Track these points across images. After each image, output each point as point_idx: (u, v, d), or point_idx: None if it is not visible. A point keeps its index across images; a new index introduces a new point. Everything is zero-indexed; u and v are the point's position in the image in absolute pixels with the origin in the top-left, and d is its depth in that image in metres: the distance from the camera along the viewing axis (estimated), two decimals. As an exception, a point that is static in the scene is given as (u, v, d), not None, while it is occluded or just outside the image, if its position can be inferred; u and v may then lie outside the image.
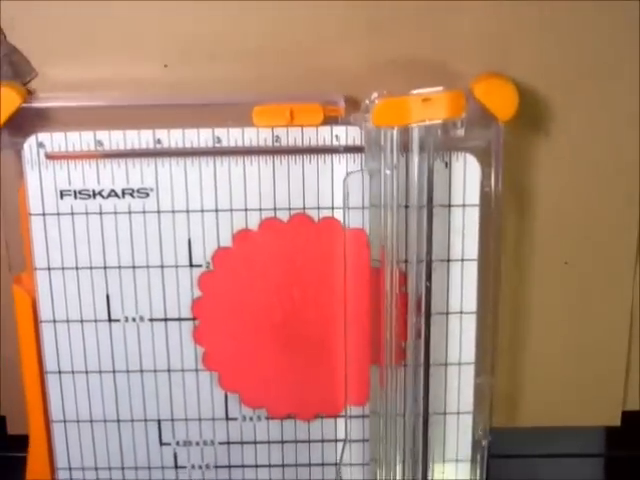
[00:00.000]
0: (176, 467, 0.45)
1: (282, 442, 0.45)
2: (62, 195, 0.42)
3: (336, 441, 0.45)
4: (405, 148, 0.40)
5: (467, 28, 0.41)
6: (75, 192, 0.42)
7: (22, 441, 0.45)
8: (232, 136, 0.41)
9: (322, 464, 0.45)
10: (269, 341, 0.44)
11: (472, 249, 0.42)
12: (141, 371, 0.44)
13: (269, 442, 0.45)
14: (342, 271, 0.42)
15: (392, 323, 0.42)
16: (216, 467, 0.45)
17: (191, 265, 0.43)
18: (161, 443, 0.45)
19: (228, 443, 0.45)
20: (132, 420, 0.45)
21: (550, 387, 0.48)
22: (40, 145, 0.41)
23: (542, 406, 0.48)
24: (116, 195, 0.42)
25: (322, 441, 0.45)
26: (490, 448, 0.45)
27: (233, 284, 0.43)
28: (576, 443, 0.55)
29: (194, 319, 0.43)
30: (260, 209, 0.42)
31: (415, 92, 0.39)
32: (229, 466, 0.45)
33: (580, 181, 0.44)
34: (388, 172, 0.40)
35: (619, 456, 0.56)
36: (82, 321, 0.43)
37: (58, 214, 0.42)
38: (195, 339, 0.44)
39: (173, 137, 0.41)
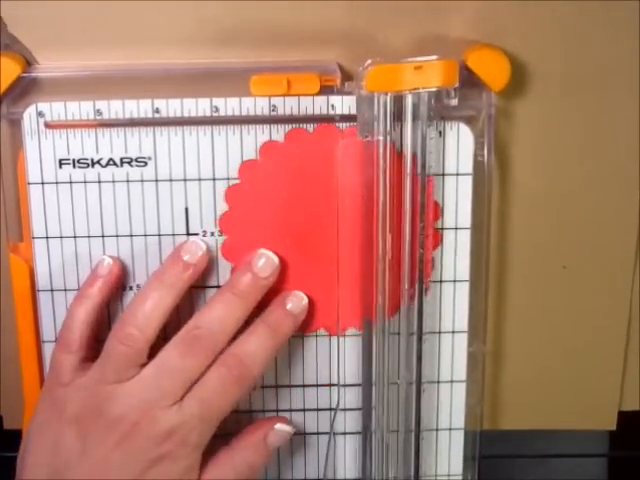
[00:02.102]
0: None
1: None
2: (61, 164, 0.42)
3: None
4: (399, 117, 0.41)
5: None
6: (74, 161, 0.42)
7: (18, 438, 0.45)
8: (229, 105, 0.42)
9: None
10: (295, 253, 0.44)
11: (465, 217, 0.43)
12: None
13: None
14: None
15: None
16: None
17: (188, 234, 0.43)
18: None
19: None
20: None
21: (546, 391, 0.49)
22: (40, 114, 0.42)
23: (538, 409, 0.49)
24: (114, 164, 0.42)
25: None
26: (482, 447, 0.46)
27: (259, 197, 0.43)
28: (573, 443, 0.55)
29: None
30: (257, 177, 0.43)
31: (410, 60, 0.40)
32: None
33: (578, 185, 0.45)
34: (381, 138, 0.41)
35: (616, 456, 0.57)
36: (79, 290, 0.44)
37: (57, 183, 0.43)
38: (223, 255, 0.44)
39: (171, 106, 0.42)
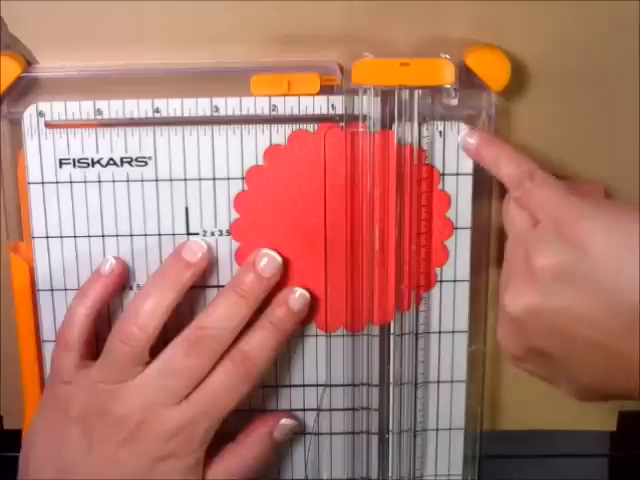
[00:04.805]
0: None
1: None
2: (61, 164, 0.42)
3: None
4: (391, 115, 0.42)
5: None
6: (74, 161, 0.42)
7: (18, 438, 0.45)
8: (230, 105, 0.42)
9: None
10: (307, 254, 0.44)
11: (465, 218, 0.43)
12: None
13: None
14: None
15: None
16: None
17: (188, 234, 0.43)
18: None
19: None
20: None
21: (546, 391, 0.47)
22: (40, 114, 0.42)
23: (538, 409, 0.49)
24: (115, 164, 0.42)
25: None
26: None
27: (268, 202, 0.43)
28: (573, 443, 0.55)
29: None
30: (258, 177, 0.43)
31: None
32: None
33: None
34: (368, 133, 0.42)
35: (616, 456, 0.56)
36: (81, 288, 0.44)
37: (57, 183, 0.43)
38: (238, 261, 0.44)
39: (172, 106, 0.42)
